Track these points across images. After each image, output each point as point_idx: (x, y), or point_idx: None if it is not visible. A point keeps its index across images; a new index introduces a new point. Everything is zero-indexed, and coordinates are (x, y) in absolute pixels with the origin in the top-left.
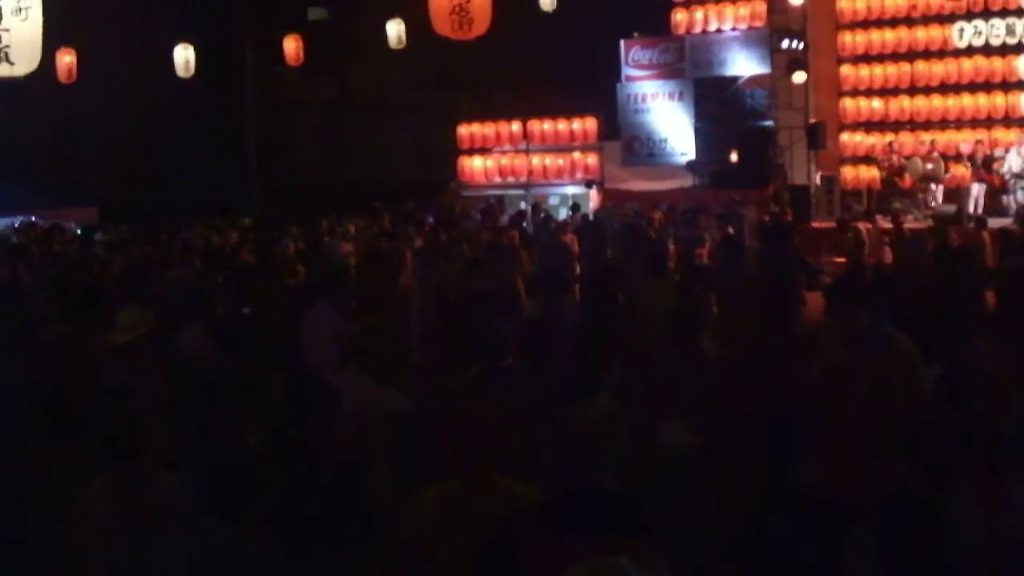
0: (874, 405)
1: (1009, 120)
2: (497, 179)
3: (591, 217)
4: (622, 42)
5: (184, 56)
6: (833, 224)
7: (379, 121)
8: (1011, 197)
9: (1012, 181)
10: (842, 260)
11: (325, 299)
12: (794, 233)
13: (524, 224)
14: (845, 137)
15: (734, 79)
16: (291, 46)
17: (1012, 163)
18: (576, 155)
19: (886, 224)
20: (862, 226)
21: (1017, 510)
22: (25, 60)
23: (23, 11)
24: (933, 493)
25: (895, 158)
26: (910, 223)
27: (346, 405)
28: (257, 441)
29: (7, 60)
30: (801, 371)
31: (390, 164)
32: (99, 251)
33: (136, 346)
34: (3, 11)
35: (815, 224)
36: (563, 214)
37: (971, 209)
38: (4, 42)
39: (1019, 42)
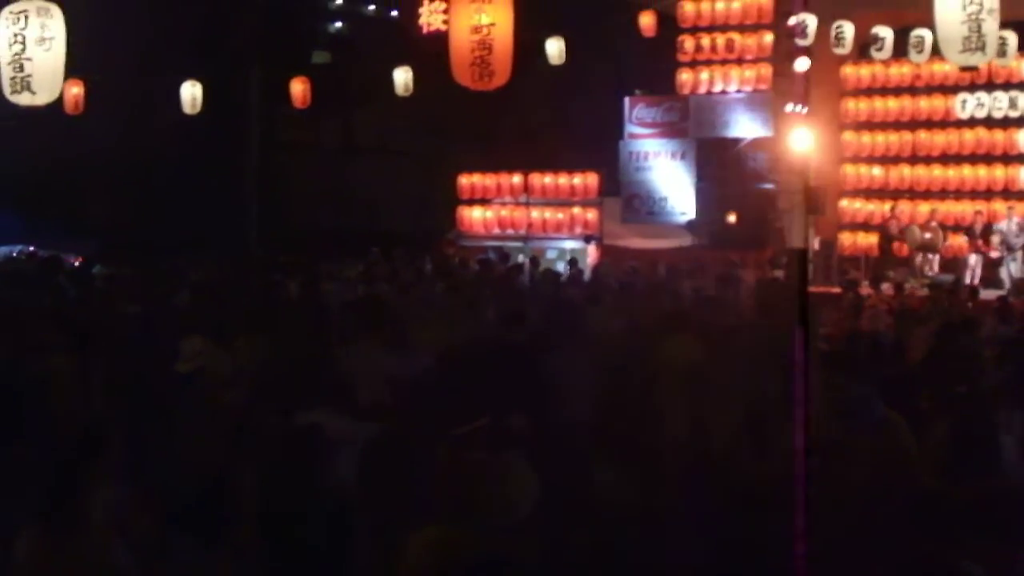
0: (866, 488)
1: (1008, 193)
2: (496, 230)
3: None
4: (626, 99)
5: (191, 93)
6: (833, 289)
7: (381, 167)
8: (1005, 269)
9: (1005, 253)
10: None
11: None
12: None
13: (521, 277)
14: (844, 203)
15: (736, 141)
16: (298, 88)
17: (1007, 235)
18: (576, 210)
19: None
20: (864, 291)
21: None
22: (47, 90)
23: (47, 41)
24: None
25: (894, 225)
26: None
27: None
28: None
29: (29, 89)
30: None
31: (390, 210)
32: (99, 284)
33: (200, 375)
34: (27, 41)
35: (812, 288)
36: (561, 268)
37: (968, 280)
38: (27, 71)
39: (1021, 115)
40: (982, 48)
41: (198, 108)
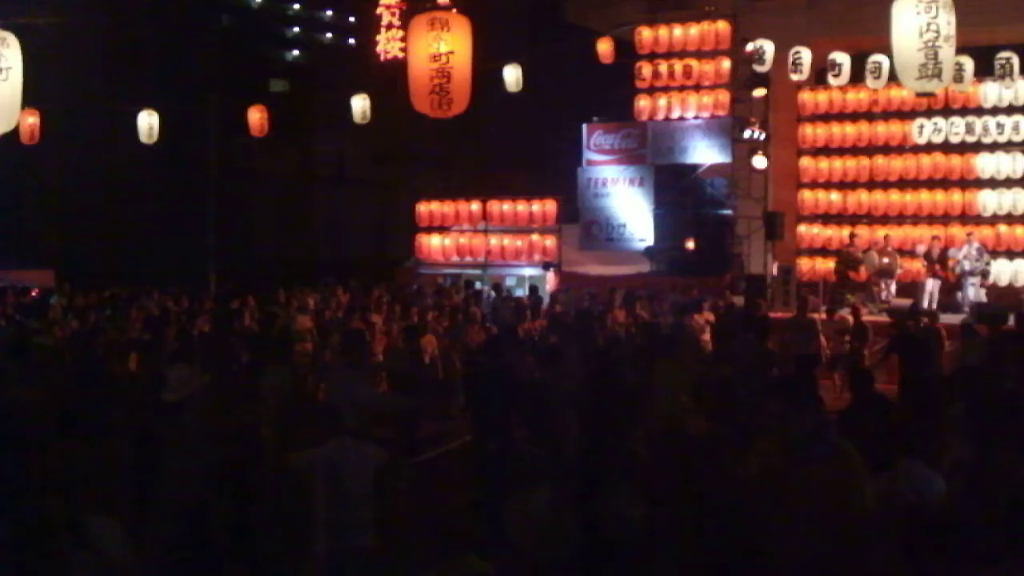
0: (816, 519)
1: (966, 217)
2: (455, 258)
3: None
4: (584, 126)
5: (148, 123)
6: (791, 314)
7: (339, 195)
8: (963, 293)
9: (963, 278)
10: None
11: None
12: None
13: (479, 304)
14: (803, 228)
15: (695, 167)
16: (255, 117)
17: (964, 260)
18: (534, 237)
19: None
20: (817, 317)
21: None
22: (4, 120)
23: (4, 71)
24: None
25: (852, 250)
26: (865, 317)
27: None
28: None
29: None
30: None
31: (348, 238)
32: (56, 314)
33: (189, 403)
34: None
35: (772, 314)
36: (519, 295)
37: (926, 304)
38: None
39: (978, 140)
40: (938, 74)
41: (155, 137)
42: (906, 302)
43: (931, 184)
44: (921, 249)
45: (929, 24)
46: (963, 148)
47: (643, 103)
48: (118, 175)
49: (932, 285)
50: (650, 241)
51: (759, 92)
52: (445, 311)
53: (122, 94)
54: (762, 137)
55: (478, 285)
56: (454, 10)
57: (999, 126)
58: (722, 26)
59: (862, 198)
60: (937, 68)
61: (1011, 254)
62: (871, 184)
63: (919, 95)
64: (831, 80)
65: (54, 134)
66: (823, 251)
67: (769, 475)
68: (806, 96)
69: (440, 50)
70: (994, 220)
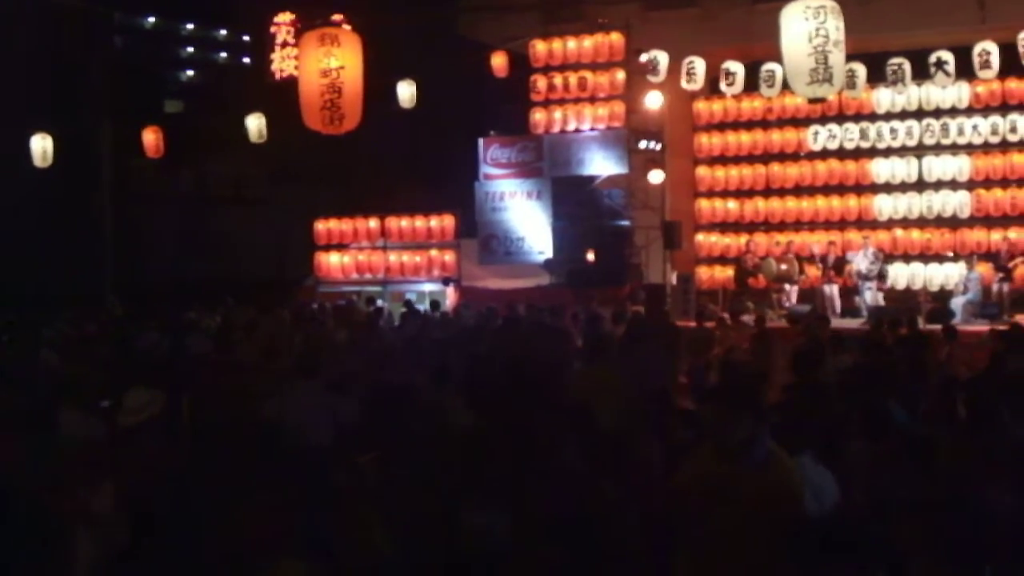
0: (752, 530)
1: (862, 222)
2: (354, 275)
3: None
4: (481, 140)
5: (42, 146)
6: (692, 323)
7: (237, 215)
8: (861, 298)
9: (860, 282)
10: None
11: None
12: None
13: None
14: (700, 237)
15: (591, 179)
16: (150, 138)
17: (859, 265)
18: (433, 252)
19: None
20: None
21: None
22: None
23: None
24: None
25: (750, 258)
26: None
27: None
28: None
29: None
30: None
31: (247, 258)
32: None
33: (146, 427)
34: None
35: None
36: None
37: (828, 309)
38: None
39: (872, 146)
40: (829, 79)
41: (49, 161)
42: (805, 308)
43: (827, 190)
44: (818, 252)
45: (818, 29)
46: (858, 154)
47: (539, 116)
48: (11, 200)
49: (830, 290)
50: (549, 254)
51: (654, 102)
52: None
53: (14, 118)
54: (658, 147)
55: (379, 303)
56: (345, 26)
57: (893, 131)
58: (615, 38)
59: (759, 206)
60: (828, 73)
61: (907, 257)
62: (767, 192)
63: (811, 101)
64: (725, 89)
65: None
66: (721, 259)
67: (703, 483)
68: (701, 106)
69: (331, 65)
70: (890, 224)
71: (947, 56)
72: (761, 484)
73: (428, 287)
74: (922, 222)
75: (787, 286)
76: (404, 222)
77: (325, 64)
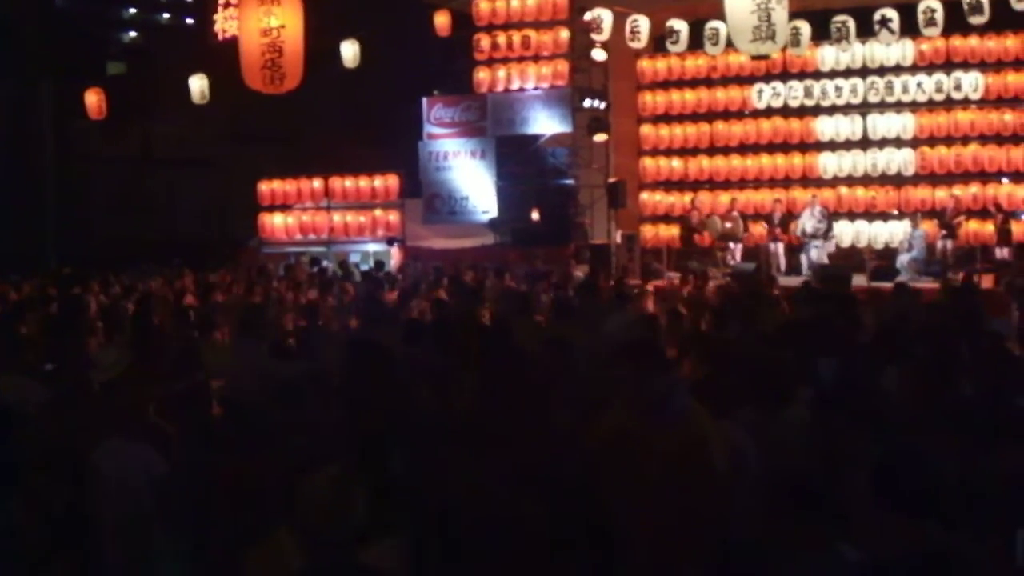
0: (670, 488)
1: (807, 180)
2: (298, 236)
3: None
4: (424, 100)
5: None
6: (639, 281)
7: (180, 177)
8: (806, 256)
9: (807, 241)
10: None
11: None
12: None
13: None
14: (645, 196)
15: (536, 138)
16: (92, 100)
17: (806, 223)
18: (378, 212)
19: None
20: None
21: None
22: None
23: None
24: None
25: (695, 216)
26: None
27: None
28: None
29: None
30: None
31: (191, 220)
32: None
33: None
34: None
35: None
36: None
37: (773, 267)
38: None
39: (817, 104)
40: (772, 37)
41: None
42: (750, 266)
43: (771, 148)
44: (764, 210)
45: None
46: (802, 112)
47: (482, 75)
48: None
49: (775, 248)
50: (493, 213)
51: (598, 58)
52: (302, 289)
53: None
54: (602, 106)
55: (324, 263)
56: None
57: (837, 89)
58: None
59: (703, 164)
60: (771, 30)
61: (852, 215)
62: (712, 150)
63: (755, 58)
64: (670, 47)
65: None
66: (666, 218)
67: (620, 441)
68: (645, 64)
69: (271, 24)
70: (835, 182)
71: (892, 13)
72: (681, 438)
73: (372, 247)
74: (867, 180)
75: (732, 244)
76: (348, 182)
77: (266, 23)
